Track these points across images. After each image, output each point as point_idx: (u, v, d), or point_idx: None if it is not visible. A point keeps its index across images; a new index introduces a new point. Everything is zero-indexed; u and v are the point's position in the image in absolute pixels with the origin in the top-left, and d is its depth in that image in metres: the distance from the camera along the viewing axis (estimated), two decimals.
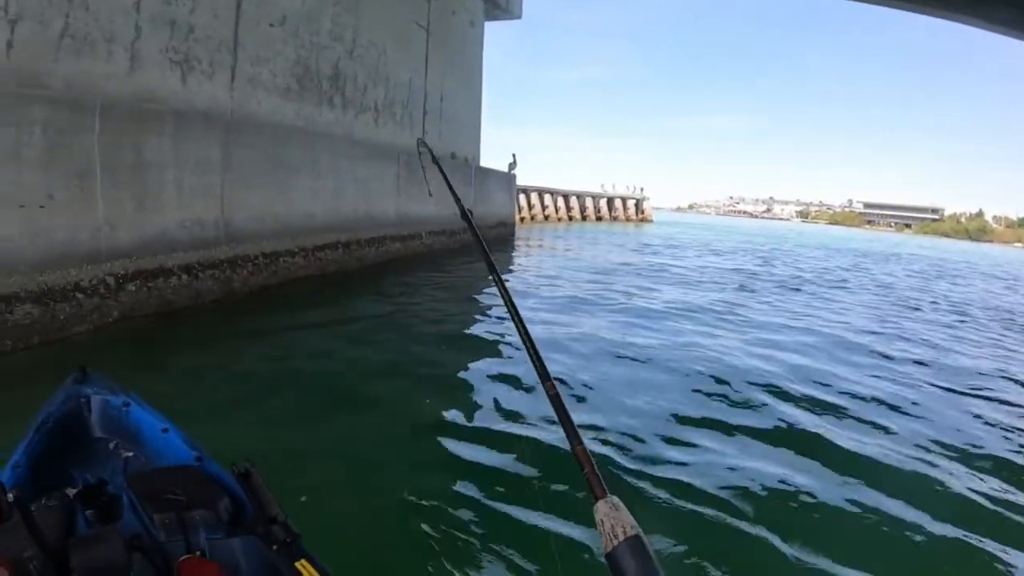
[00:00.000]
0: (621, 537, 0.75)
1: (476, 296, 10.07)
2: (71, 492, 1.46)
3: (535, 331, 1.32)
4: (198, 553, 1.40)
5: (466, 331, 7.70)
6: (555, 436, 4.09)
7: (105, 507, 1.49)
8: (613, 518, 0.78)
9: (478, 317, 8.51)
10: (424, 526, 2.99)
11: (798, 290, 13.65)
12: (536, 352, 1.21)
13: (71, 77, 5.92)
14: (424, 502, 3.22)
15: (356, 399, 4.75)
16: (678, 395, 5.24)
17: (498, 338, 6.98)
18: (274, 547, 1.43)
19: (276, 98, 9.60)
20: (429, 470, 3.68)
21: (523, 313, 1.42)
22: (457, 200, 2.21)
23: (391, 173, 13.14)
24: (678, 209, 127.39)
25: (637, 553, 0.73)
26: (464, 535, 2.94)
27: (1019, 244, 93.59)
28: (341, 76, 11.55)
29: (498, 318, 8.14)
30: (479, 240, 1.86)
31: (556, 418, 1.02)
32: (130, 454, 1.88)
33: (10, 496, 1.14)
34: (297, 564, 1.39)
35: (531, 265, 15.83)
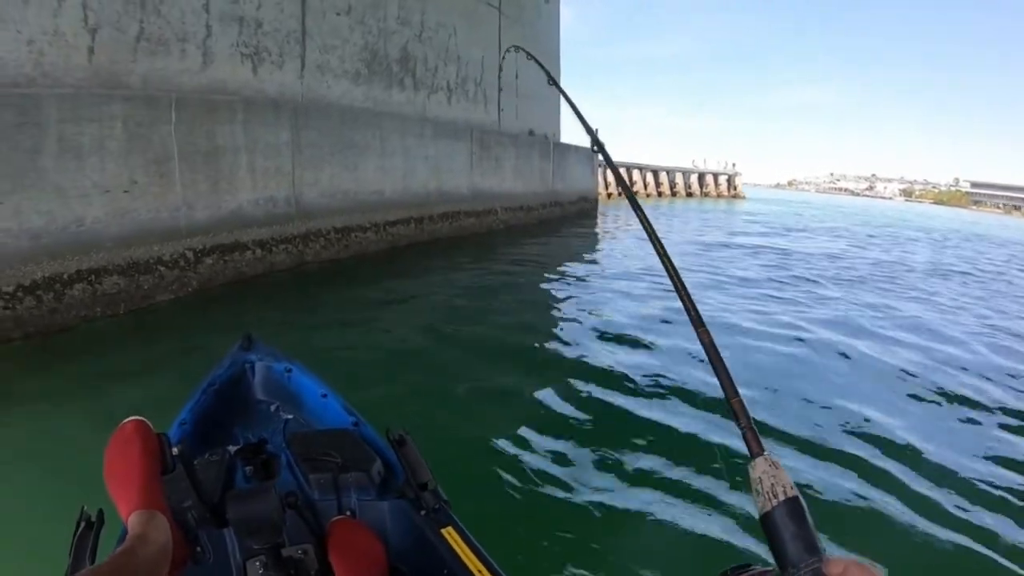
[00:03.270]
0: (781, 497, 0.71)
1: (558, 269, 10.31)
2: (232, 449, 1.55)
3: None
4: (348, 513, 1.50)
5: (557, 301, 8.09)
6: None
7: (263, 464, 1.55)
8: (773, 476, 0.74)
9: (563, 290, 8.76)
10: (557, 489, 3.26)
11: None
12: (687, 294, 1.11)
13: (148, 75, 6.66)
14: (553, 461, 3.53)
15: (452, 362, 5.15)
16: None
17: (587, 313, 7.29)
18: (422, 512, 1.47)
19: (345, 82, 10.19)
20: (564, 426, 4.03)
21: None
22: (584, 123, 2.05)
23: (464, 150, 13.52)
24: (776, 186, 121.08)
25: (796, 516, 0.70)
26: (607, 493, 3.19)
27: None
28: (410, 58, 12.01)
29: (585, 288, 8.44)
30: (608, 158, 1.78)
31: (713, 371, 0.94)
32: (290, 416, 1.98)
33: (175, 450, 1.18)
34: (443, 531, 1.43)
35: (612, 242, 15.76)
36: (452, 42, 13.55)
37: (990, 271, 14.86)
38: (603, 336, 6.16)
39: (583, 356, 5.53)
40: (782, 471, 0.75)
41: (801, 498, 0.72)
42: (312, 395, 2.03)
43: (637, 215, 1.37)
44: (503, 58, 15.35)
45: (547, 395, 4.57)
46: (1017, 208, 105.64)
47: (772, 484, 0.74)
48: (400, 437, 1.60)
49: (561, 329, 6.67)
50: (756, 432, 0.82)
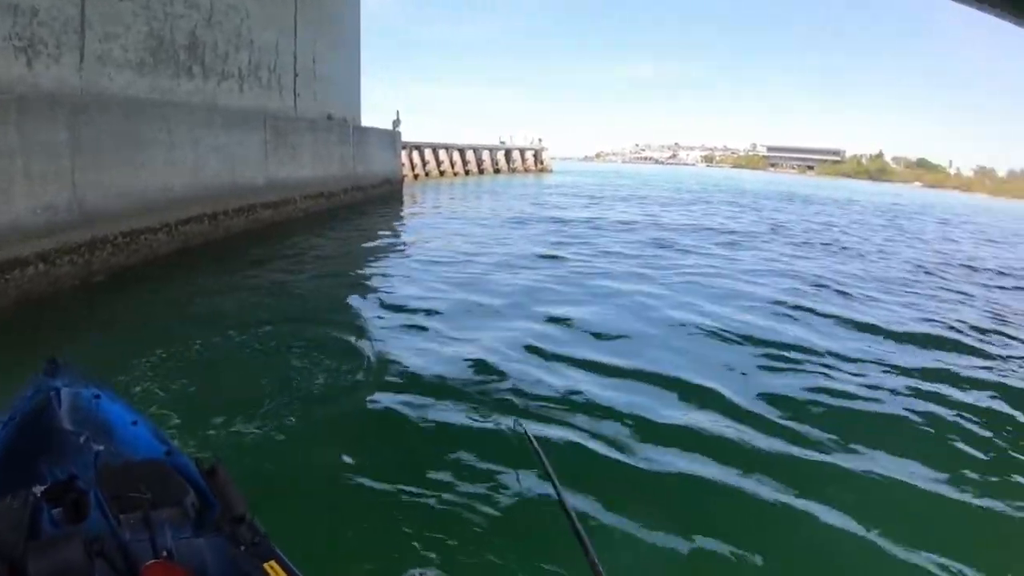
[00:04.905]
0: None
1: (362, 260, 10.73)
2: (38, 490, 1.43)
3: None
4: (164, 554, 1.38)
5: (363, 293, 8.43)
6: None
7: (73, 505, 1.45)
8: None
9: (369, 281, 9.22)
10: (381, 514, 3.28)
11: None
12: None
13: None
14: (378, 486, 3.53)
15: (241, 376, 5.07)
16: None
17: (394, 312, 7.43)
18: (241, 547, 1.39)
19: (129, 73, 9.65)
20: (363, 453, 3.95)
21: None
22: None
23: (258, 139, 13.26)
24: (585, 158, 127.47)
25: None
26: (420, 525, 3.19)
27: (918, 184, 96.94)
28: (199, 44, 11.55)
29: (392, 277, 8.98)
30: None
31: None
32: (100, 447, 1.82)
33: None
34: (266, 565, 1.36)
35: (416, 224, 16.35)
36: (244, 26, 13.16)
37: None
38: (413, 327, 6.64)
39: (398, 351, 5.82)
40: None
41: None
42: (122, 423, 1.92)
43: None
44: None
45: (363, 398, 4.77)
46: (810, 167, 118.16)
47: None
48: (212, 467, 1.48)
49: (371, 322, 6.97)
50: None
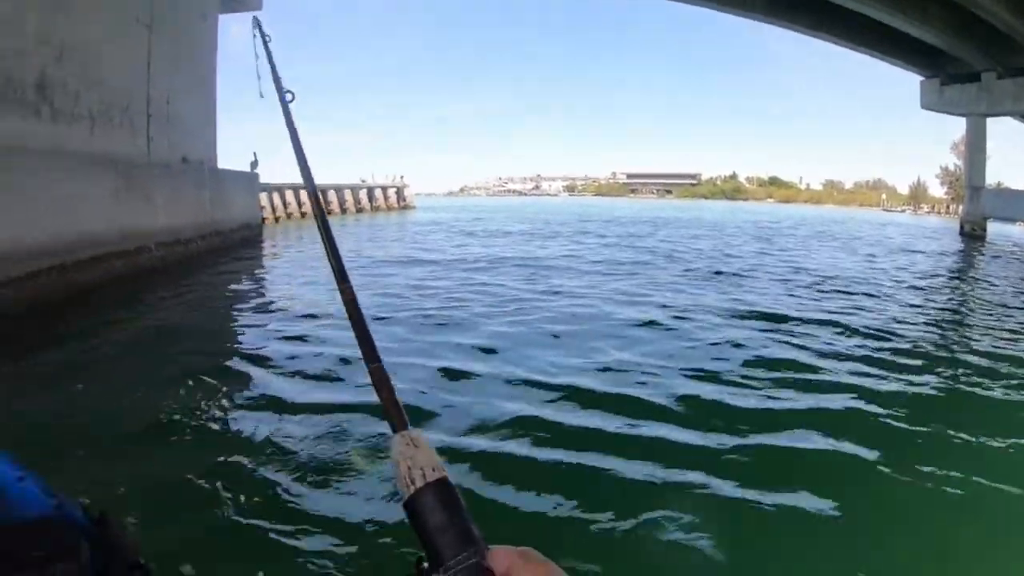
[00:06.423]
0: (419, 483, 0.62)
1: (226, 309, 10.14)
2: None
3: None
4: None
5: (230, 344, 7.80)
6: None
7: None
8: (410, 459, 0.65)
9: (236, 333, 8.58)
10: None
11: None
12: (334, 248, 1.01)
13: None
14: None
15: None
16: None
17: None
18: None
19: None
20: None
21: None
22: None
23: (107, 185, 12.32)
24: (449, 193, 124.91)
25: (442, 504, 0.61)
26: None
27: (770, 200, 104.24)
28: (49, 84, 10.69)
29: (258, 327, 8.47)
30: None
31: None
32: None
33: None
34: None
35: (276, 272, 15.66)
36: (96, 65, 12.33)
37: None
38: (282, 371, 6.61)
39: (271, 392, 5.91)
40: (423, 449, 0.66)
41: (449, 480, 0.64)
42: (7, 479, 1.95)
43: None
44: None
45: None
46: (668, 192, 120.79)
47: (409, 468, 0.64)
48: (100, 516, 1.23)
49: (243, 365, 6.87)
50: (399, 404, 0.73)
